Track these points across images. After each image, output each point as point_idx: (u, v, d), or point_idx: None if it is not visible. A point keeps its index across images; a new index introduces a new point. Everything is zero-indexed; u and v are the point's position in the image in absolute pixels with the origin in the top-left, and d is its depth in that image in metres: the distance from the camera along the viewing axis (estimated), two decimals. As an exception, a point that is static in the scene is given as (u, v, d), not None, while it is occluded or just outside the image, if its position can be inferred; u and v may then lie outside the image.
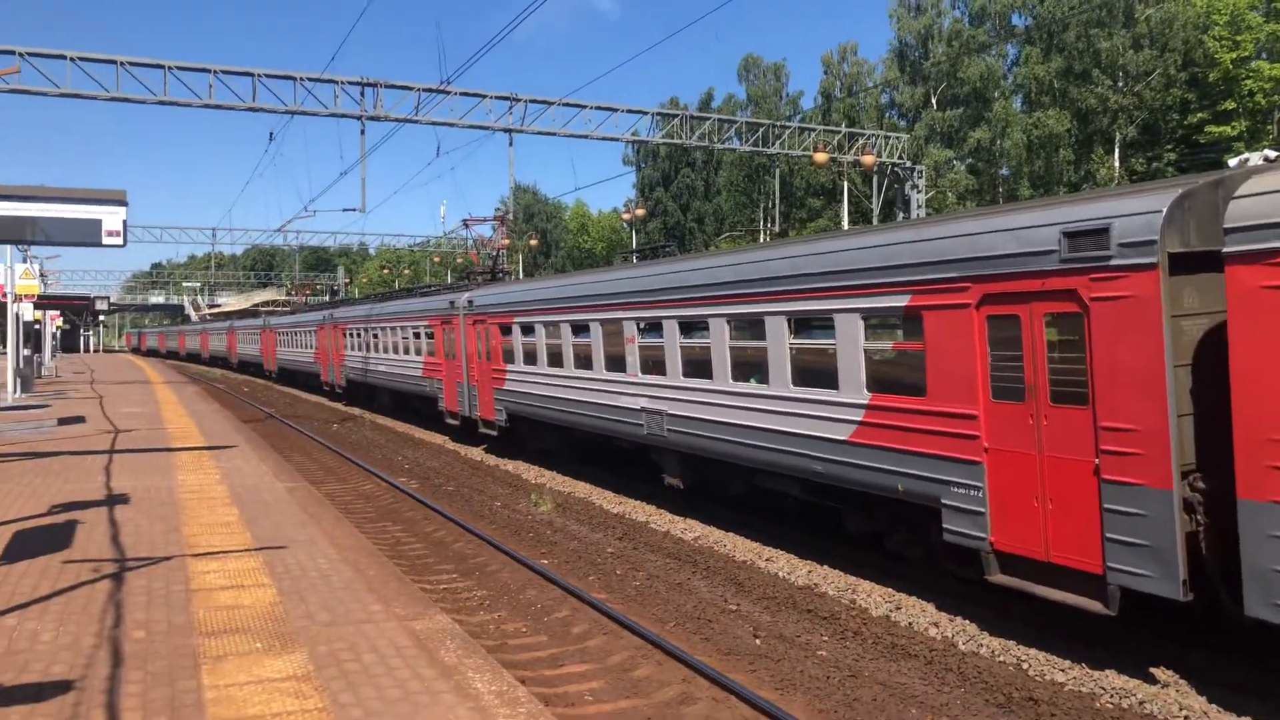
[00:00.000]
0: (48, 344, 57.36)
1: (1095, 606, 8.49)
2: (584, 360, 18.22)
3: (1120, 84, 51.24)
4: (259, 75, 32.85)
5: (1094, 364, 8.42)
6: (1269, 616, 7.23)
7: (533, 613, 11.16)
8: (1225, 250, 7.46)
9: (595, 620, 10.63)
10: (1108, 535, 8.29)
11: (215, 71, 32.12)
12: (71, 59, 30.06)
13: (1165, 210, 7.93)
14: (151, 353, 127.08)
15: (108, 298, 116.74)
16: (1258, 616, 7.32)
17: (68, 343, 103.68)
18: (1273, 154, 8.59)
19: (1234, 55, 45.60)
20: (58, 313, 65.72)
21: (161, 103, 31.54)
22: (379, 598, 9.32)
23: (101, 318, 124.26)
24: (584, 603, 11.16)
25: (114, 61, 30.69)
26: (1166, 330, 7.88)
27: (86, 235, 16.27)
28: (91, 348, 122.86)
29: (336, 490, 19.28)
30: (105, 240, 16.20)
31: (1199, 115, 48.59)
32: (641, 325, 16.10)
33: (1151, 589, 7.99)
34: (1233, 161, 8.89)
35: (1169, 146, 51.09)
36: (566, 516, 16.33)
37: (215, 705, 6.62)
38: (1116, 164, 51.83)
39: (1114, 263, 8.22)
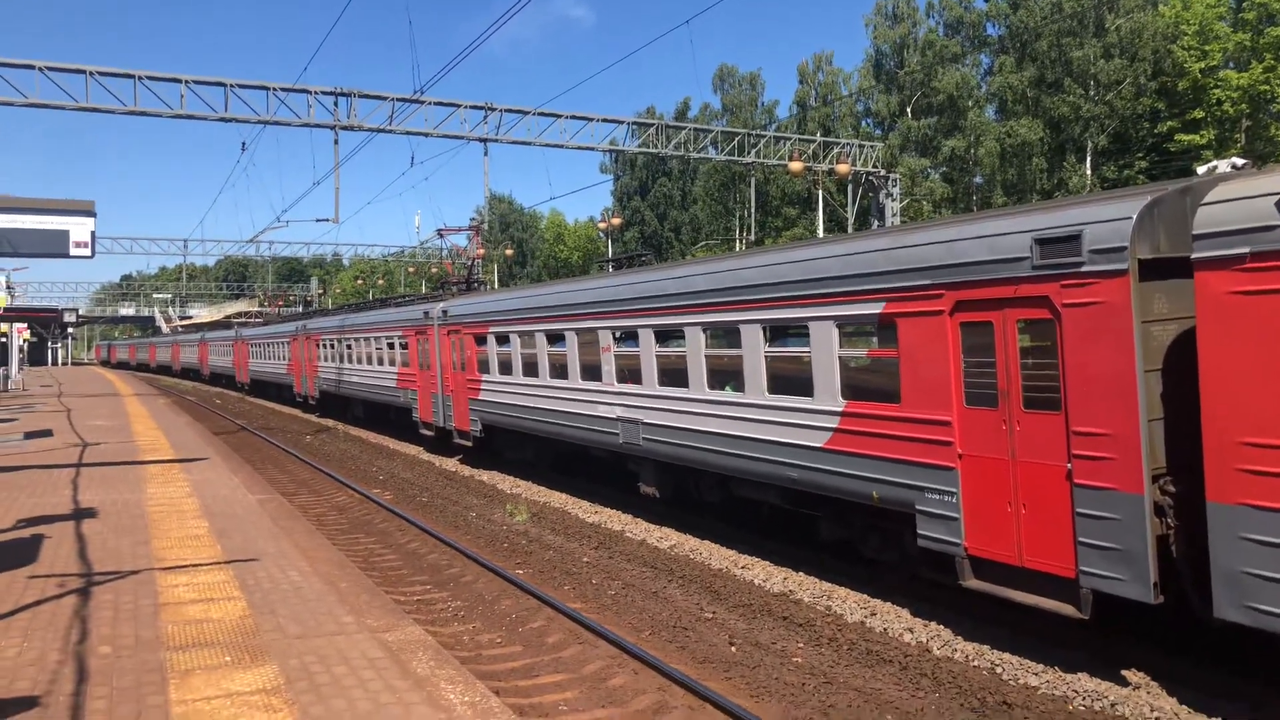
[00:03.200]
0: (14, 357, 56.59)
1: (1068, 610, 8.52)
2: (559, 370, 18.16)
3: (1092, 93, 51.85)
4: (231, 85, 32.62)
5: (1066, 370, 8.47)
6: (1238, 618, 7.27)
7: (507, 623, 11.08)
8: (1194, 256, 7.53)
9: (570, 630, 10.56)
10: (1080, 539, 8.33)
11: (187, 81, 31.86)
12: (40, 69, 29.74)
13: (1135, 217, 8.00)
14: (121, 365, 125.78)
15: (76, 310, 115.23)
16: (1226, 618, 7.37)
17: (35, 356, 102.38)
18: (1240, 161, 8.69)
19: (1202, 65, 46.25)
20: (24, 325, 64.84)
21: (131, 113, 31.24)
22: (351, 610, 9.22)
23: (70, 330, 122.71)
24: (559, 612, 11.08)
25: (83, 71, 30.38)
26: (1137, 336, 7.93)
27: (53, 246, 16.08)
28: (59, 361, 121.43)
29: (309, 502, 19.10)
30: (73, 251, 16.03)
31: (1168, 124, 49.23)
32: (617, 334, 16.07)
33: (1123, 592, 8.03)
34: (1201, 169, 8.98)
35: (1139, 154, 51.71)
36: (542, 526, 16.25)
37: (182, 720, 6.52)
38: (1088, 172, 52.41)
39: (1085, 269, 8.28)
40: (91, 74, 30.48)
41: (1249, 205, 7.21)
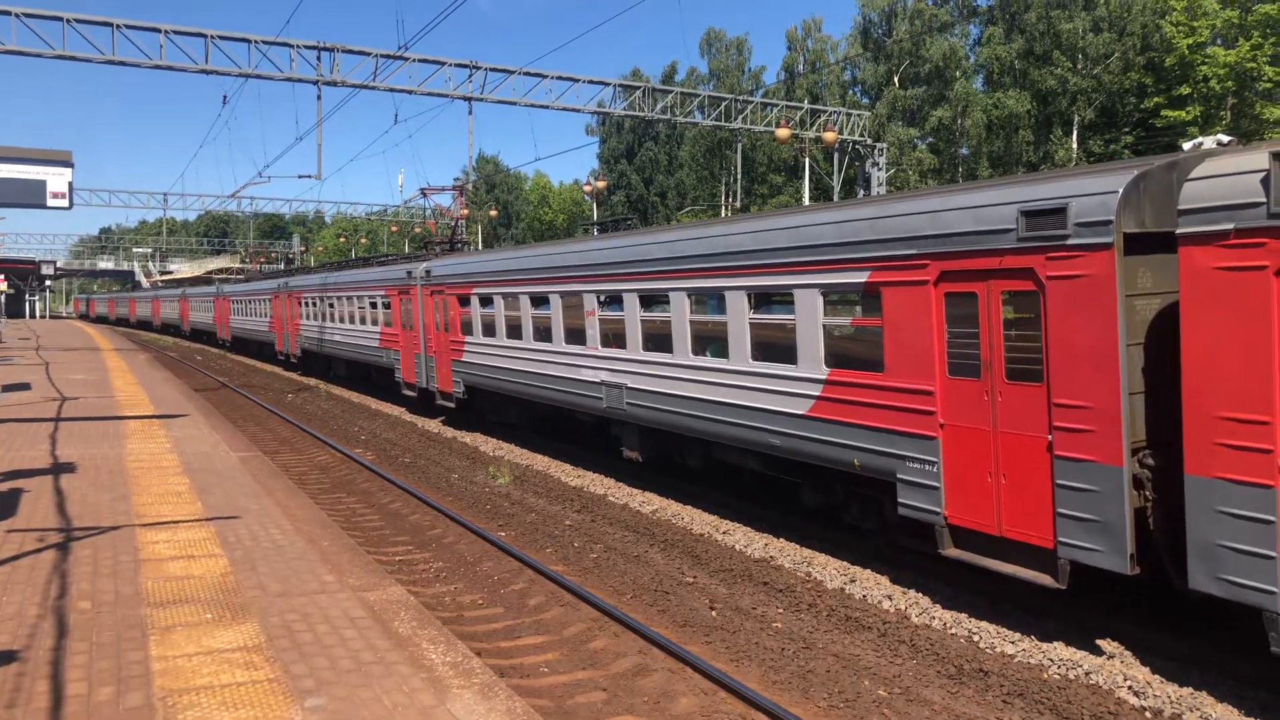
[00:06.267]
0: (-8, 309, 55.94)
1: (1046, 580, 8.63)
2: (543, 332, 18.12)
3: (1080, 66, 51.73)
4: (212, 36, 32.03)
5: (1049, 342, 8.52)
6: (1212, 590, 7.39)
7: (489, 584, 11.13)
8: (1179, 231, 7.56)
9: (552, 592, 10.62)
10: (1059, 510, 8.42)
11: (166, 31, 31.26)
12: (16, 15, 29.11)
13: (1121, 191, 8.01)
14: (101, 319, 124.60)
15: (54, 262, 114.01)
16: (1201, 590, 7.48)
17: (12, 308, 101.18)
18: (1226, 138, 8.72)
19: (1190, 41, 46.12)
20: (2, 277, 64.02)
21: (109, 62, 30.63)
22: (333, 569, 9.24)
23: (48, 283, 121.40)
24: (541, 574, 11.14)
25: (60, 18, 29.74)
26: (1120, 309, 7.97)
27: (29, 197, 15.82)
28: (37, 314, 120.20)
29: (291, 461, 19.05)
30: (50, 202, 15.77)
31: (1155, 99, 49.15)
32: (602, 298, 16.03)
33: (1100, 563, 8.13)
34: (1187, 145, 9.00)
35: (1126, 129, 51.71)
36: (525, 489, 16.28)
37: (163, 676, 6.53)
38: (1075, 145, 52.39)
39: (1070, 242, 8.30)
40: (69, 21, 29.85)
41: (1234, 181, 7.24)
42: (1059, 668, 8.39)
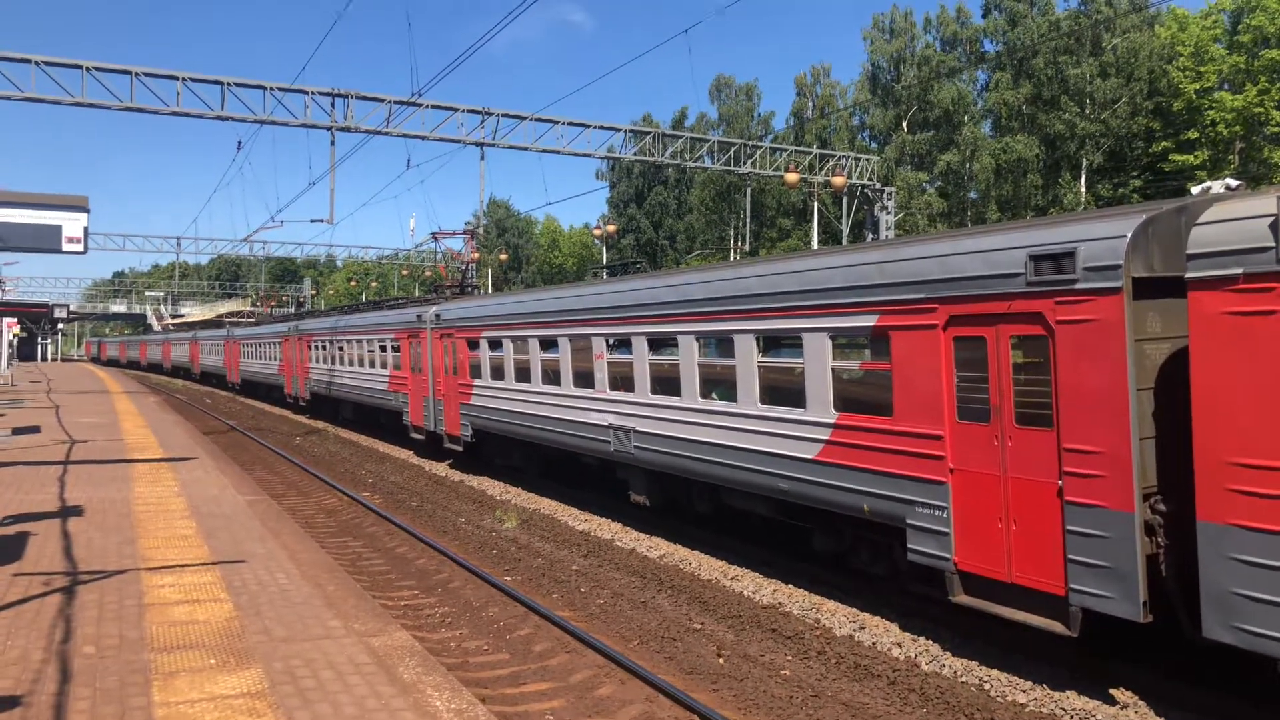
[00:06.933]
0: (3, 352, 56.31)
1: (1057, 627, 8.51)
2: (552, 376, 18.13)
3: (1087, 111, 52.07)
4: (228, 84, 32.56)
5: (1058, 386, 8.48)
6: (1227, 639, 7.27)
7: (495, 630, 11.03)
8: (1188, 276, 7.55)
9: (558, 638, 10.52)
10: (1070, 557, 8.33)
11: (183, 79, 31.79)
12: (36, 63, 29.64)
13: (1130, 235, 8.02)
14: (112, 362, 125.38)
15: (67, 305, 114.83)
16: (1215, 639, 7.36)
17: (25, 351, 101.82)
18: (1234, 183, 8.73)
19: (1197, 86, 46.49)
20: (14, 320, 64.48)
21: (127, 109, 31.15)
22: (338, 614, 9.17)
23: (60, 326, 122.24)
24: (547, 620, 11.04)
25: (79, 66, 30.29)
26: (1130, 354, 7.95)
27: (46, 241, 16.01)
28: (49, 357, 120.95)
29: (298, 504, 19.01)
30: (65, 247, 15.96)
31: (1163, 143, 49.44)
32: (610, 341, 16.05)
33: (1112, 610, 8.03)
34: (1195, 189, 9.01)
35: (1134, 173, 51.92)
36: (531, 533, 16.19)
37: (165, 723, 6.46)
38: (1083, 189, 52.59)
39: (1079, 286, 8.29)
40: (88, 69, 30.39)
41: (1242, 226, 7.23)
42: (1072, 718, 8.25)
